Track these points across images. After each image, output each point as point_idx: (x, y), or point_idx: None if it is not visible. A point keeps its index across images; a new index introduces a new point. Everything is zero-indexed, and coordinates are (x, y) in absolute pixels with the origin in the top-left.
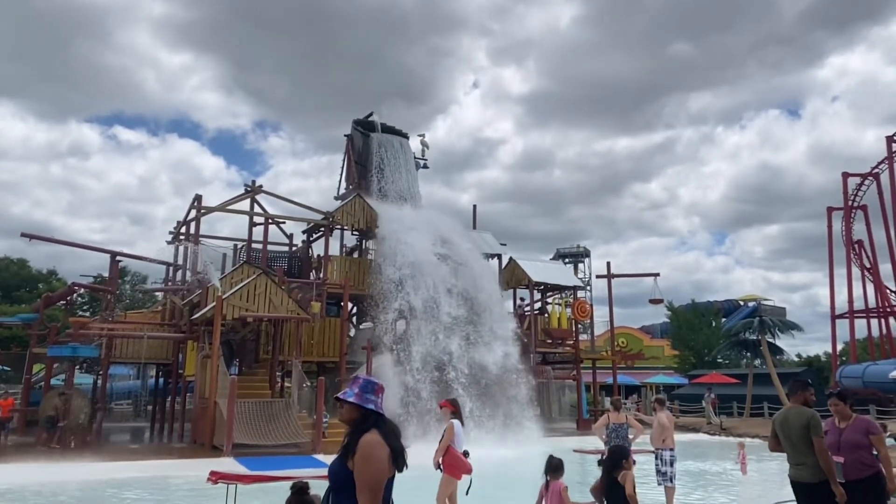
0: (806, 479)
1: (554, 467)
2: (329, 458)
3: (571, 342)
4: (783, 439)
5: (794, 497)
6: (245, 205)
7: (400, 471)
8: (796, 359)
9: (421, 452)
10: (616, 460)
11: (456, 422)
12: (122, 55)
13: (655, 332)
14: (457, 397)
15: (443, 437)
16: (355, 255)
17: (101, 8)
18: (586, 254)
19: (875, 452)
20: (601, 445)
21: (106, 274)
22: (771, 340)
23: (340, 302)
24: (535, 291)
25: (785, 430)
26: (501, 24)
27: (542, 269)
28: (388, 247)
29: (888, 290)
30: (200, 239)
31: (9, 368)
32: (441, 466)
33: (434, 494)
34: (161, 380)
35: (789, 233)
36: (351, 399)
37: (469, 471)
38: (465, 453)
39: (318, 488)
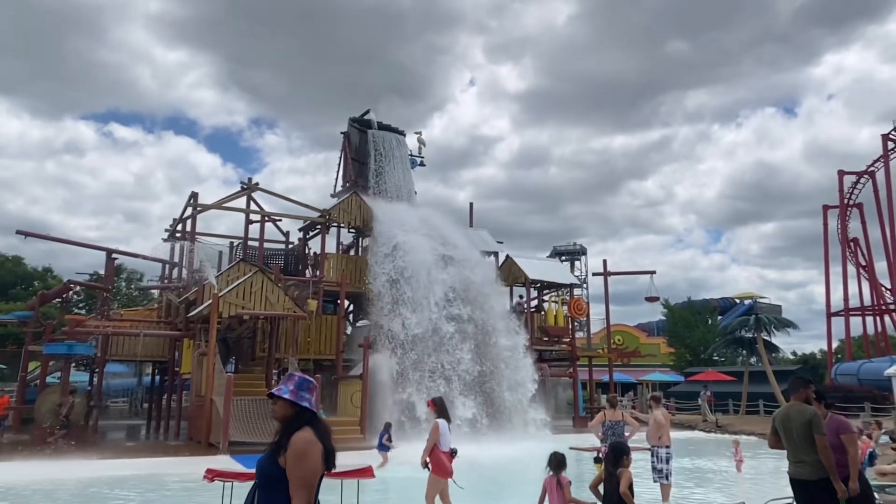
0: (806, 476)
1: (558, 462)
2: None
3: (568, 340)
4: (784, 436)
5: (788, 494)
6: (241, 202)
7: (330, 470)
8: (792, 356)
9: (417, 452)
10: (618, 456)
11: (441, 421)
12: (118, 52)
13: (651, 330)
14: (455, 395)
15: (429, 436)
16: (352, 252)
17: (97, 4)
18: (583, 251)
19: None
20: (597, 443)
21: (102, 271)
22: (767, 338)
23: (337, 300)
24: (532, 289)
25: (786, 428)
26: (498, 21)
27: (538, 266)
28: (385, 244)
29: (883, 288)
30: (196, 236)
31: (4, 366)
32: (429, 466)
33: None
34: (157, 377)
35: (785, 230)
36: (286, 396)
37: (447, 474)
38: (453, 452)
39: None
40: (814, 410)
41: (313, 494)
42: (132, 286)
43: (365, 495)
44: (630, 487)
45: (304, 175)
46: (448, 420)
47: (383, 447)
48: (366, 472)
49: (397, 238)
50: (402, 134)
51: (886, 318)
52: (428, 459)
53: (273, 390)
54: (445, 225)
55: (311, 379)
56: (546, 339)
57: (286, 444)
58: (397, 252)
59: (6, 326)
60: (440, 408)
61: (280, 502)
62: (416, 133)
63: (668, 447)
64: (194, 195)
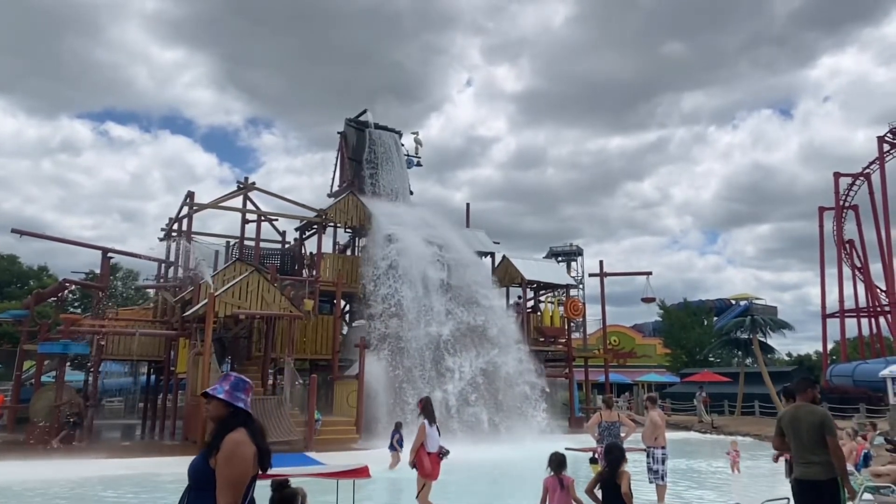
0: (815, 476)
1: (559, 462)
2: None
3: (564, 340)
4: (792, 437)
5: (783, 495)
6: (238, 202)
7: (264, 471)
8: (787, 358)
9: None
10: (618, 457)
11: (426, 422)
12: (114, 51)
13: (647, 331)
14: (451, 395)
15: (416, 437)
16: (348, 252)
17: (93, 3)
18: (579, 252)
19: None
20: (593, 443)
21: (98, 270)
22: (762, 339)
23: (333, 299)
24: (528, 290)
25: (795, 429)
26: (495, 22)
27: (534, 267)
28: (382, 244)
29: (878, 290)
30: (193, 236)
31: None
32: (415, 466)
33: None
34: (153, 377)
35: (781, 232)
36: (221, 396)
37: (427, 475)
38: (442, 453)
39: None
40: (825, 411)
41: (240, 496)
42: (128, 285)
43: (360, 494)
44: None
45: (301, 175)
46: (433, 420)
47: (394, 447)
48: (361, 472)
49: (394, 238)
50: (399, 134)
51: (881, 320)
52: (413, 459)
53: (207, 389)
54: (442, 225)
55: (247, 379)
56: (542, 339)
57: (219, 444)
58: (394, 252)
59: (1, 325)
60: (426, 408)
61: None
62: (413, 133)
63: (663, 448)
64: (190, 194)
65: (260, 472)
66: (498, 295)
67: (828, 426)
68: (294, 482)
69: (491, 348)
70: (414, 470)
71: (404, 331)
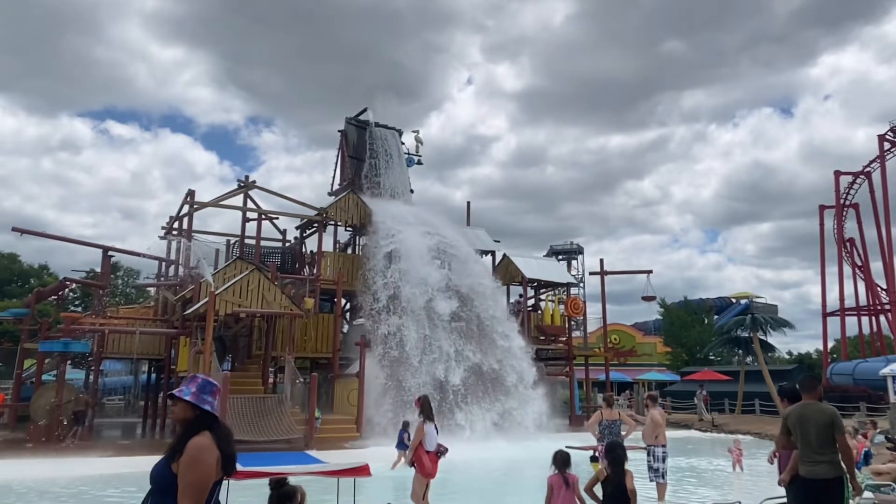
0: (822, 474)
1: (564, 460)
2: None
3: (564, 339)
4: (800, 436)
5: (783, 494)
6: (238, 200)
7: (229, 476)
8: (787, 356)
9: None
10: (621, 455)
11: (425, 420)
12: (114, 49)
13: (648, 329)
14: (451, 393)
15: (414, 436)
16: (349, 250)
17: (93, 2)
18: (579, 251)
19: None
20: (593, 441)
21: (98, 269)
22: (762, 338)
23: (333, 298)
24: (529, 288)
25: (803, 427)
26: (495, 20)
27: (535, 265)
28: (382, 242)
29: (879, 288)
30: (193, 234)
31: (0, 364)
32: (414, 465)
33: (433, 492)
34: (153, 375)
35: (781, 231)
36: (187, 398)
37: (427, 474)
38: (440, 451)
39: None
40: (834, 410)
41: (202, 502)
42: (129, 284)
43: (361, 493)
44: None
45: (301, 173)
46: (431, 419)
47: (403, 446)
48: (362, 470)
49: (394, 236)
50: (400, 132)
51: (882, 318)
52: (412, 458)
53: (174, 391)
54: (442, 223)
55: (215, 382)
56: (543, 338)
57: (182, 448)
58: (394, 250)
59: (2, 324)
60: (425, 406)
61: None
62: (414, 132)
63: (664, 446)
64: (191, 193)
65: (225, 476)
66: (499, 293)
67: (837, 425)
68: (294, 480)
69: (492, 346)
70: (412, 468)
71: (405, 329)
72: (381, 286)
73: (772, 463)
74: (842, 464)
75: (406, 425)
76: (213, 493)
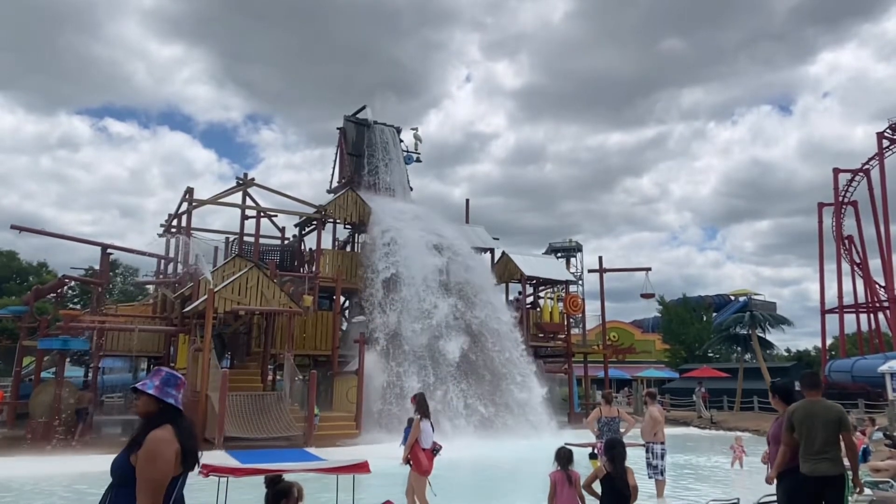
0: (825, 472)
1: (567, 457)
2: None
3: (563, 336)
4: (805, 433)
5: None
6: (237, 198)
7: (190, 469)
8: (786, 353)
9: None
10: (622, 452)
11: (421, 417)
12: (112, 47)
13: (647, 327)
14: (450, 390)
15: (410, 433)
16: (347, 248)
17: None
18: (578, 248)
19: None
20: (592, 438)
21: (97, 266)
22: (761, 335)
23: (332, 295)
24: (528, 286)
25: (809, 424)
26: (494, 17)
27: (534, 263)
28: (381, 240)
29: (877, 286)
30: (192, 232)
31: None
32: (410, 463)
33: (433, 491)
34: None
35: (780, 228)
36: (150, 391)
37: (425, 472)
38: (436, 449)
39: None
40: (841, 408)
41: (159, 496)
42: (127, 281)
43: (360, 491)
44: None
45: (300, 171)
46: (427, 416)
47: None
48: (361, 467)
49: (393, 234)
50: (398, 130)
51: (880, 316)
52: (408, 456)
53: (137, 384)
54: (441, 221)
55: (179, 375)
56: (542, 335)
57: (142, 441)
58: (393, 248)
59: (1, 321)
60: (420, 404)
61: (133, 502)
62: (413, 129)
63: (662, 443)
64: (190, 190)
65: (189, 471)
66: (498, 290)
67: (845, 423)
68: (293, 477)
69: (491, 343)
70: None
71: (403, 326)
72: (380, 282)
73: (765, 463)
74: (844, 460)
75: (411, 422)
76: (176, 488)
